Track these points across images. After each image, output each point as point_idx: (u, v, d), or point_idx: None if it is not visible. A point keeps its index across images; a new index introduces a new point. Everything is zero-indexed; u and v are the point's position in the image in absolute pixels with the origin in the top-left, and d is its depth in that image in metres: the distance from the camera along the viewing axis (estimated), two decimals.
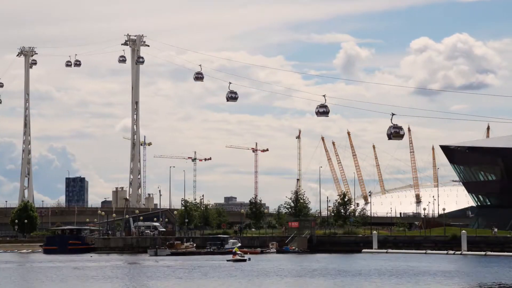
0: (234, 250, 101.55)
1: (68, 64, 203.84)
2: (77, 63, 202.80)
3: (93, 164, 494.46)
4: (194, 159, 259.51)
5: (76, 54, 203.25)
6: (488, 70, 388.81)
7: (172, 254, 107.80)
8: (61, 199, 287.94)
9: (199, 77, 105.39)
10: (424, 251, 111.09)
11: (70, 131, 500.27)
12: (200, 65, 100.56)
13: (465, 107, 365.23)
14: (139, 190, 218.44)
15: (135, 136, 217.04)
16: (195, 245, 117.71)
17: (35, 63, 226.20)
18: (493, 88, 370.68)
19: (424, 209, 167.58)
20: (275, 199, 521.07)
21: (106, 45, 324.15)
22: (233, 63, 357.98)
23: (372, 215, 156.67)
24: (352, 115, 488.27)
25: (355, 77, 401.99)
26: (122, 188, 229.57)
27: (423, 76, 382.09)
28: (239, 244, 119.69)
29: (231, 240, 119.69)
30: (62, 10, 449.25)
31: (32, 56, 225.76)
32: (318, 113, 61.40)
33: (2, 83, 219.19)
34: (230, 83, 73.32)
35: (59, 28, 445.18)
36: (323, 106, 61.20)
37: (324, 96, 60.45)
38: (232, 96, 75.12)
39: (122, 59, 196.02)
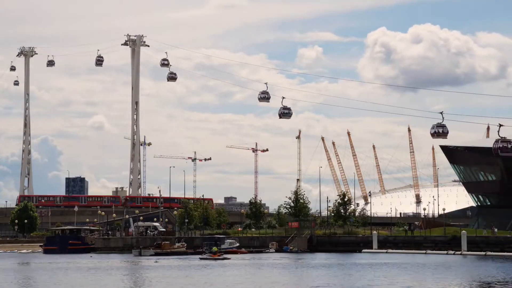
0: (213, 250, 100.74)
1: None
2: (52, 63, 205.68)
3: (78, 163, 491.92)
4: (194, 159, 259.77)
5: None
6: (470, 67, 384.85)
7: (156, 254, 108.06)
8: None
9: (172, 77, 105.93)
10: (424, 251, 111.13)
11: (52, 130, 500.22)
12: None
13: (447, 106, 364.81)
14: (139, 190, 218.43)
15: (135, 136, 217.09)
16: (185, 245, 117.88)
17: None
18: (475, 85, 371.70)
19: (424, 209, 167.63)
20: (274, 199, 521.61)
21: (102, 45, 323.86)
22: (213, 61, 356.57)
23: (372, 215, 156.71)
24: (336, 114, 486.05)
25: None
26: (122, 188, 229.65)
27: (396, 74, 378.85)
28: (237, 244, 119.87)
29: (228, 240, 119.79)
30: (50, 10, 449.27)
31: (32, 56, 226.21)
32: (282, 115, 61.94)
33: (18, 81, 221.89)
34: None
35: (50, 28, 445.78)
36: (286, 108, 61.64)
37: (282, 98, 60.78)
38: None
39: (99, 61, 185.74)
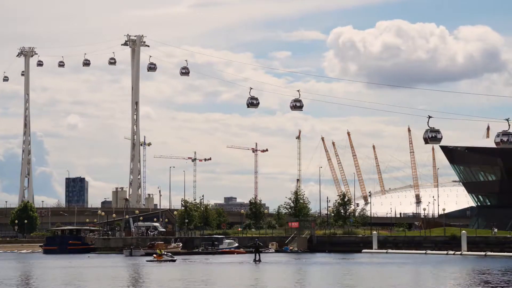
0: (158, 251, 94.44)
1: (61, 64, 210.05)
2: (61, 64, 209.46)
3: (67, 162, 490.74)
4: (194, 159, 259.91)
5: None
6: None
7: (147, 254, 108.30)
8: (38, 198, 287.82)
9: (184, 72, 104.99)
10: (424, 251, 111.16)
11: (39, 130, 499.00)
12: (186, 60, 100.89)
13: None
14: (139, 190, 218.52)
15: (135, 136, 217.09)
16: (181, 245, 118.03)
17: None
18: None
19: (424, 209, 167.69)
20: (274, 198, 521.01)
21: (106, 45, 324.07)
22: (198, 60, 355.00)
23: (372, 216, 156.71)
24: (323, 113, 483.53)
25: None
26: (122, 188, 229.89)
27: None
28: (236, 244, 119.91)
29: (226, 241, 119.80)
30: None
31: (32, 56, 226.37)
32: (293, 107, 62.46)
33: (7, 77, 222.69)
34: (251, 88, 68.08)
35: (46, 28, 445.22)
36: (297, 100, 62.17)
37: (298, 91, 61.96)
38: (252, 103, 70.20)
39: (112, 61, 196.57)
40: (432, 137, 51.91)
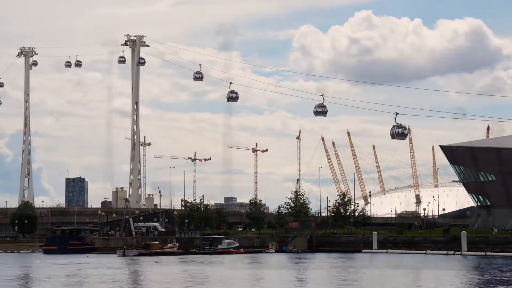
0: None
1: (68, 64, 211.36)
2: (78, 64, 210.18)
3: (59, 162, 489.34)
4: (194, 159, 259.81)
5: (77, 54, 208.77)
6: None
7: (140, 254, 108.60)
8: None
9: (198, 77, 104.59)
10: (424, 251, 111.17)
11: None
12: (200, 65, 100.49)
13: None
14: (139, 190, 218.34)
15: (135, 136, 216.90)
16: (177, 245, 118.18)
17: (36, 64, 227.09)
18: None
19: (424, 209, 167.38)
20: (274, 198, 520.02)
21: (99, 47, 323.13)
22: (185, 59, 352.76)
23: (372, 216, 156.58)
24: (312, 113, 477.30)
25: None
26: (122, 188, 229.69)
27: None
28: (237, 244, 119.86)
29: (226, 241, 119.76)
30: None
31: (32, 56, 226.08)
32: (316, 113, 61.76)
33: (3, 83, 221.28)
34: (231, 83, 71.89)
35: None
36: (321, 105, 61.48)
37: (322, 95, 60.89)
38: (232, 96, 74.17)
39: (122, 60, 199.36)
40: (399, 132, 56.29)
